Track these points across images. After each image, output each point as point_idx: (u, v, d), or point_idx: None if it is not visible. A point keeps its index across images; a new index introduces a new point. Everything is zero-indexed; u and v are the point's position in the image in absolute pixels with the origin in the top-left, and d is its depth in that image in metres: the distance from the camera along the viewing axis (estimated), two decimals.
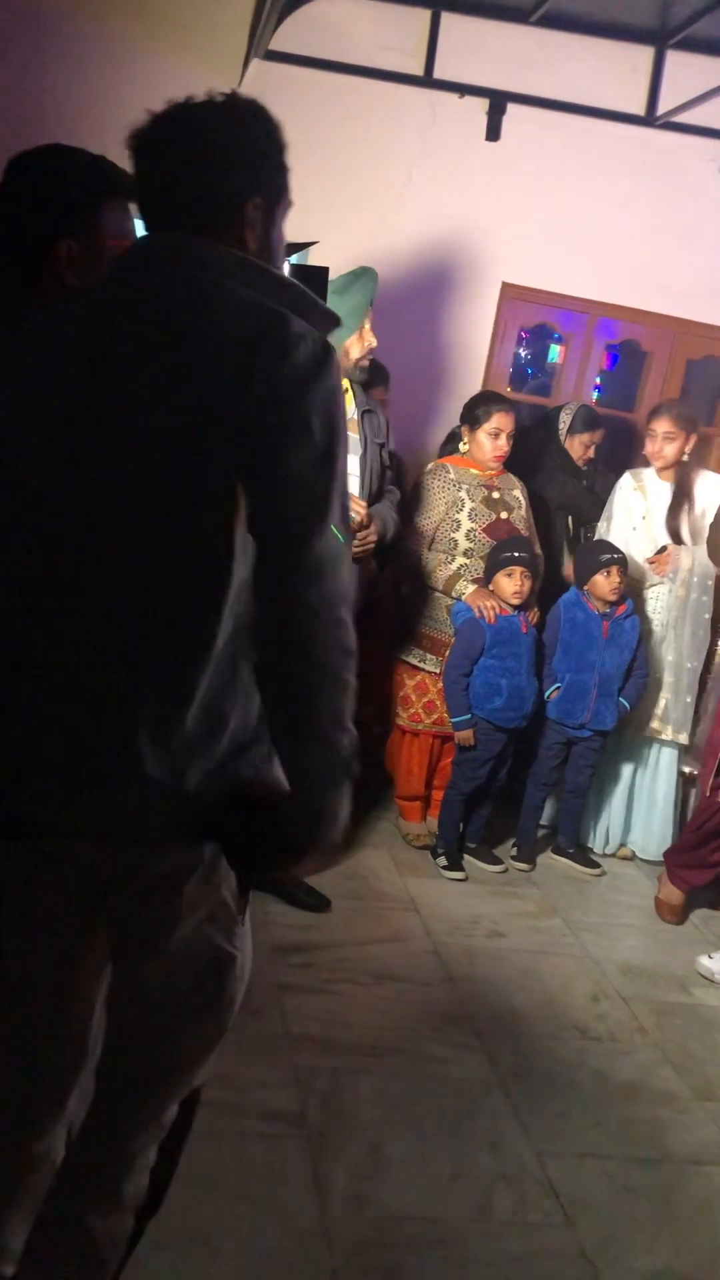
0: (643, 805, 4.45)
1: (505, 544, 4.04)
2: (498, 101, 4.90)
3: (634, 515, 4.39)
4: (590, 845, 4.49)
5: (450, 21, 4.82)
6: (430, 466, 4.24)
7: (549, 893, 4.08)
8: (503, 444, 4.11)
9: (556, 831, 4.41)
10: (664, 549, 4.31)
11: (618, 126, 5.00)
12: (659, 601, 4.35)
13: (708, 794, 3.90)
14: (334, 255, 4.81)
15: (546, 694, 4.16)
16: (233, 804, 1.49)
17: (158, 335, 1.45)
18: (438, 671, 4.13)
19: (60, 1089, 1.68)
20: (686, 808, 4.44)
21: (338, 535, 1.42)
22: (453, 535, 4.11)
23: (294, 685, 1.42)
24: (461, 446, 4.21)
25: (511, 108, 4.91)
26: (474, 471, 4.16)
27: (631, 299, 5.11)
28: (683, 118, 4.94)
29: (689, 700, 4.31)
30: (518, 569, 3.98)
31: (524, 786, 4.32)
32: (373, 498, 3.70)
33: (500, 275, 5.03)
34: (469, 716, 4.01)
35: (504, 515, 4.14)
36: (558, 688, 4.15)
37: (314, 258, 4.76)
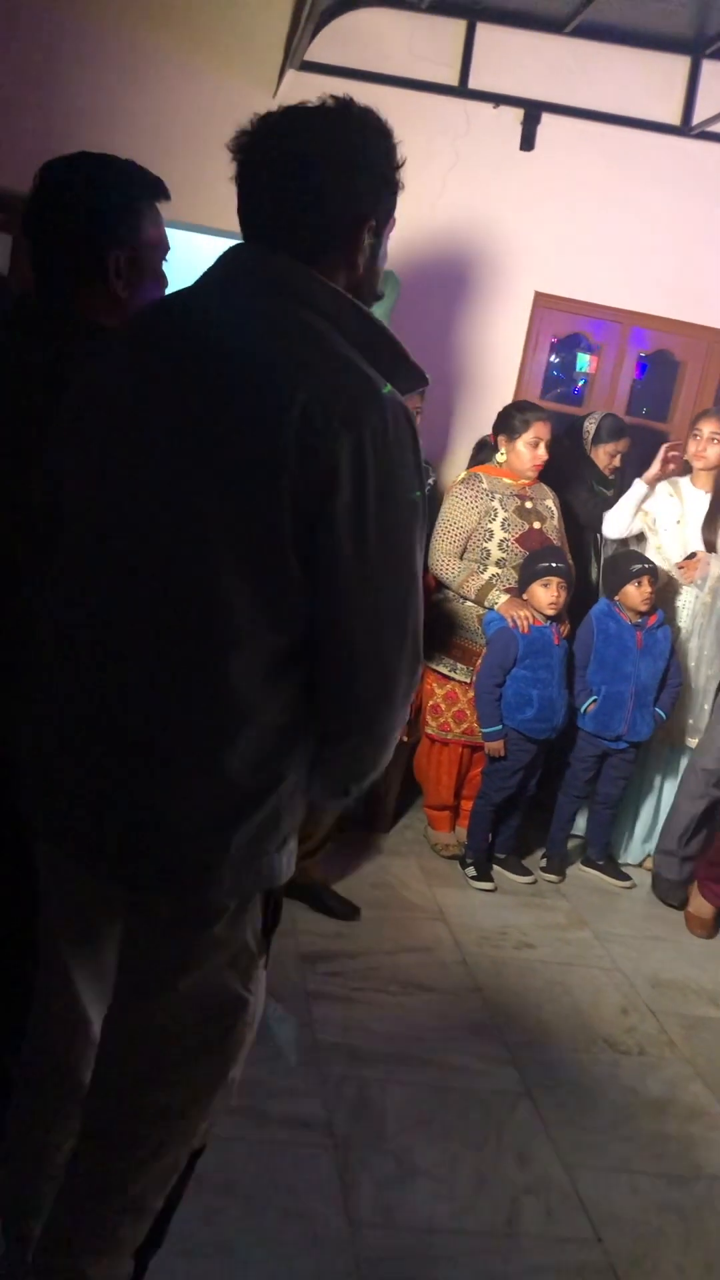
0: None
1: (541, 554, 4.03)
2: (532, 111, 4.89)
3: (668, 519, 4.36)
4: (620, 857, 4.46)
5: (485, 32, 4.82)
6: (463, 475, 4.24)
7: (578, 904, 4.05)
8: (542, 453, 4.11)
9: (586, 843, 4.38)
10: (694, 555, 4.28)
11: (652, 136, 4.98)
12: (687, 609, 4.33)
13: None
14: None
15: (582, 707, 4.14)
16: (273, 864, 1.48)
17: (216, 375, 1.34)
18: (468, 681, 4.12)
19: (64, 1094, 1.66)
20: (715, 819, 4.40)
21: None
22: (485, 545, 4.10)
23: (346, 788, 1.49)
24: (499, 457, 4.19)
25: (546, 118, 4.91)
26: (507, 481, 4.15)
27: (665, 309, 5.09)
28: (718, 127, 4.91)
29: (706, 707, 4.29)
30: (554, 579, 3.97)
31: (554, 797, 4.30)
32: None
33: (533, 284, 5.03)
34: (500, 727, 3.99)
35: (536, 525, 4.13)
36: (594, 700, 4.12)
37: None
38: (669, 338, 5.19)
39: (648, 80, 4.95)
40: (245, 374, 1.33)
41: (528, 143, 4.93)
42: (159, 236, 1.83)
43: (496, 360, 5.05)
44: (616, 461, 4.62)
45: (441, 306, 4.89)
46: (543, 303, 5.06)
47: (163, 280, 1.86)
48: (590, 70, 4.90)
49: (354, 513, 1.31)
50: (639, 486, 4.26)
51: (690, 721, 4.31)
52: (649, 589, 4.10)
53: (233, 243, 1.50)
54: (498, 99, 4.89)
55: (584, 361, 5.55)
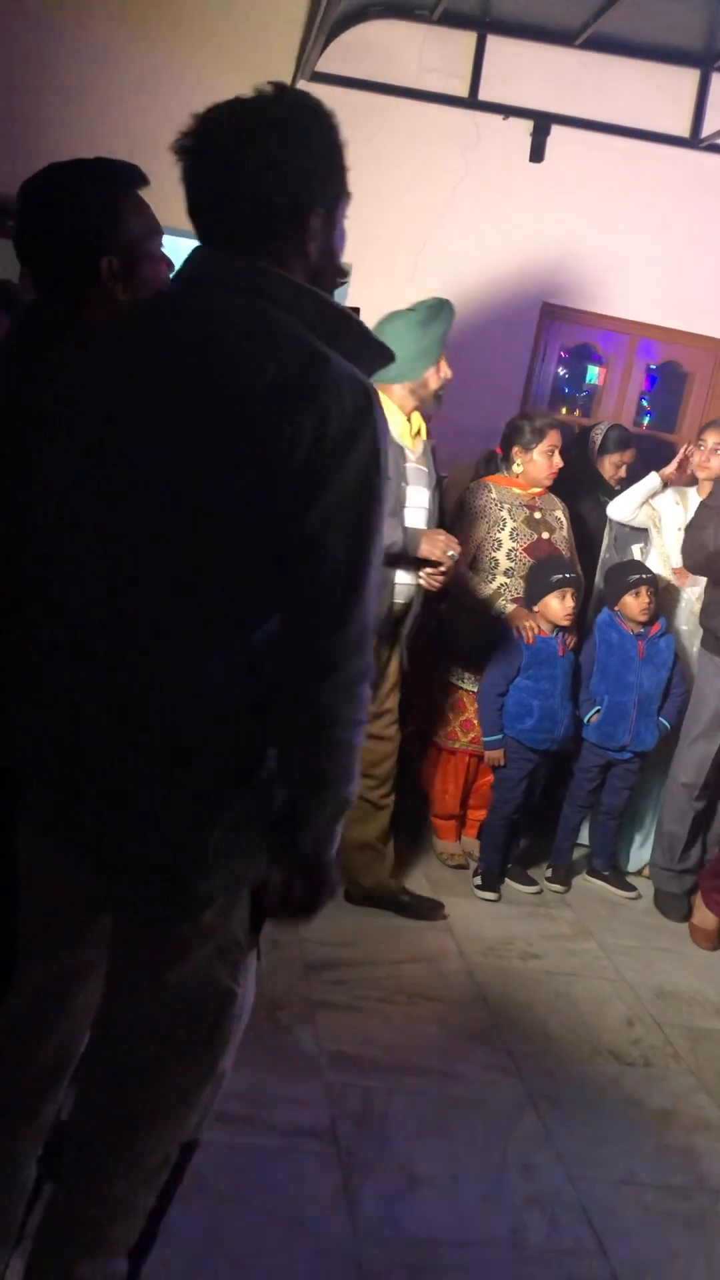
0: None
1: (550, 565, 4.02)
2: (542, 123, 4.92)
3: (671, 524, 4.38)
4: (624, 866, 4.46)
5: (495, 44, 4.85)
6: (472, 485, 4.24)
7: (583, 915, 4.05)
8: (557, 461, 4.12)
9: (591, 853, 4.38)
10: None
11: (662, 148, 5.01)
12: (680, 618, 4.35)
13: None
14: (377, 274, 4.85)
15: (586, 717, 4.13)
16: (258, 854, 1.47)
17: (187, 373, 1.39)
18: (475, 690, 4.12)
19: (35, 1093, 1.64)
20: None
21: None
22: (493, 554, 4.10)
23: (308, 761, 1.41)
24: (515, 468, 4.17)
25: (555, 129, 4.94)
26: (516, 491, 4.15)
27: (674, 320, 5.11)
28: None
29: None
30: (569, 590, 3.98)
31: (558, 808, 4.29)
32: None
33: (541, 295, 5.04)
34: (500, 736, 4.00)
35: (545, 535, 4.13)
36: (597, 711, 4.12)
37: (356, 277, 4.80)
38: (677, 349, 5.20)
39: (657, 92, 4.97)
40: (212, 366, 1.38)
41: (537, 154, 4.95)
42: (146, 225, 1.83)
43: (504, 371, 5.07)
44: (623, 472, 4.63)
45: None
46: (551, 314, 5.08)
47: (164, 263, 1.87)
48: (600, 82, 4.93)
49: (311, 484, 1.35)
50: (653, 478, 4.29)
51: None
52: (647, 599, 4.10)
53: None
54: (507, 110, 4.91)
55: (593, 374, 5.56)
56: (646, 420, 5.56)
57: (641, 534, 4.44)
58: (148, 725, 1.41)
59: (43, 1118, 1.67)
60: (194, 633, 1.40)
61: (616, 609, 4.16)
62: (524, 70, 4.89)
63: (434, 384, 3.48)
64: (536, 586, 4.05)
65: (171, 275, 1.54)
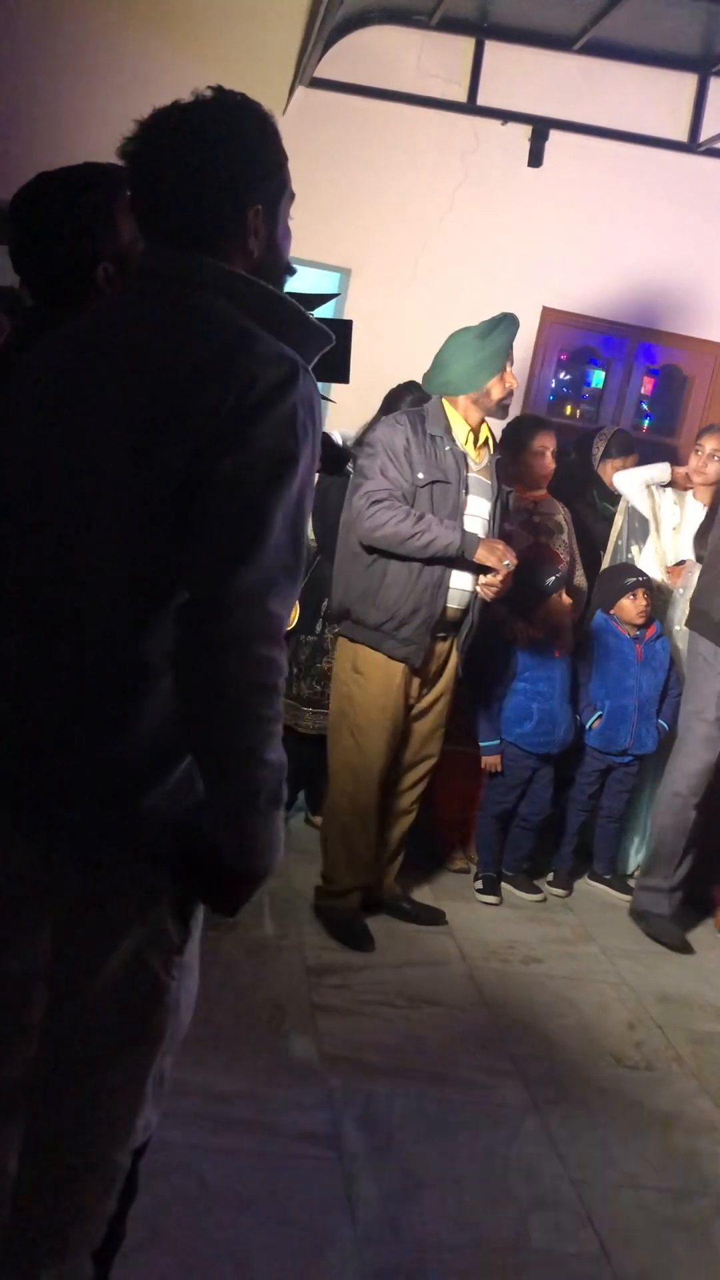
0: None
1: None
2: (540, 128, 4.94)
3: (668, 525, 4.40)
4: (625, 870, 4.46)
5: (494, 49, 4.86)
6: None
7: (585, 919, 4.05)
8: (549, 461, 4.13)
9: (592, 857, 4.38)
10: (683, 562, 4.32)
11: (660, 153, 5.02)
12: (674, 620, 4.36)
13: None
14: (377, 278, 4.86)
15: (588, 723, 4.13)
16: (185, 832, 1.46)
17: (124, 356, 1.45)
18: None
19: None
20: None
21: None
22: None
23: (205, 724, 1.38)
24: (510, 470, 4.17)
25: (554, 134, 4.95)
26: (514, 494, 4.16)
27: (673, 324, 5.12)
28: None
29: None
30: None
31: (561, 813, 4.29)
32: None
33: (541, 300, 5.05)
34: (497, 742, 4.00)
35: (543, 540, 4.13)
36: (599, 716, 4.12)
37: (356, 281, 4.81)
38: (676, 353, 5.21)
39: (655, 97, 4.98)
40: (148, 350, 1.44)
41: (535, 159, 4.97)
42: (137, 228, 1.85)
43: None
44: None
45: (448, 321, 4.90)
46: (550, 318, 5.08)
47: None
48: (598, 87, 4.94)
49: (227, 442, 1.38)
50: (665, 467, 4.31)
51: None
52: (644, 602, 4.11)
53: None
54: (506, 116, 4.93)
55: (599, 378, 5.56)
56: (646, 423, 5.57)
57: (646, 531, 4.45)
58: (83, 691, 1.44)
59: (19, 1115, 1.66)
60: (124, 600, 1.43)
61: (612, 612, 4.16)
62: (522, 75, 4.91)
63: (497, 394, 3.52)
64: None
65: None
